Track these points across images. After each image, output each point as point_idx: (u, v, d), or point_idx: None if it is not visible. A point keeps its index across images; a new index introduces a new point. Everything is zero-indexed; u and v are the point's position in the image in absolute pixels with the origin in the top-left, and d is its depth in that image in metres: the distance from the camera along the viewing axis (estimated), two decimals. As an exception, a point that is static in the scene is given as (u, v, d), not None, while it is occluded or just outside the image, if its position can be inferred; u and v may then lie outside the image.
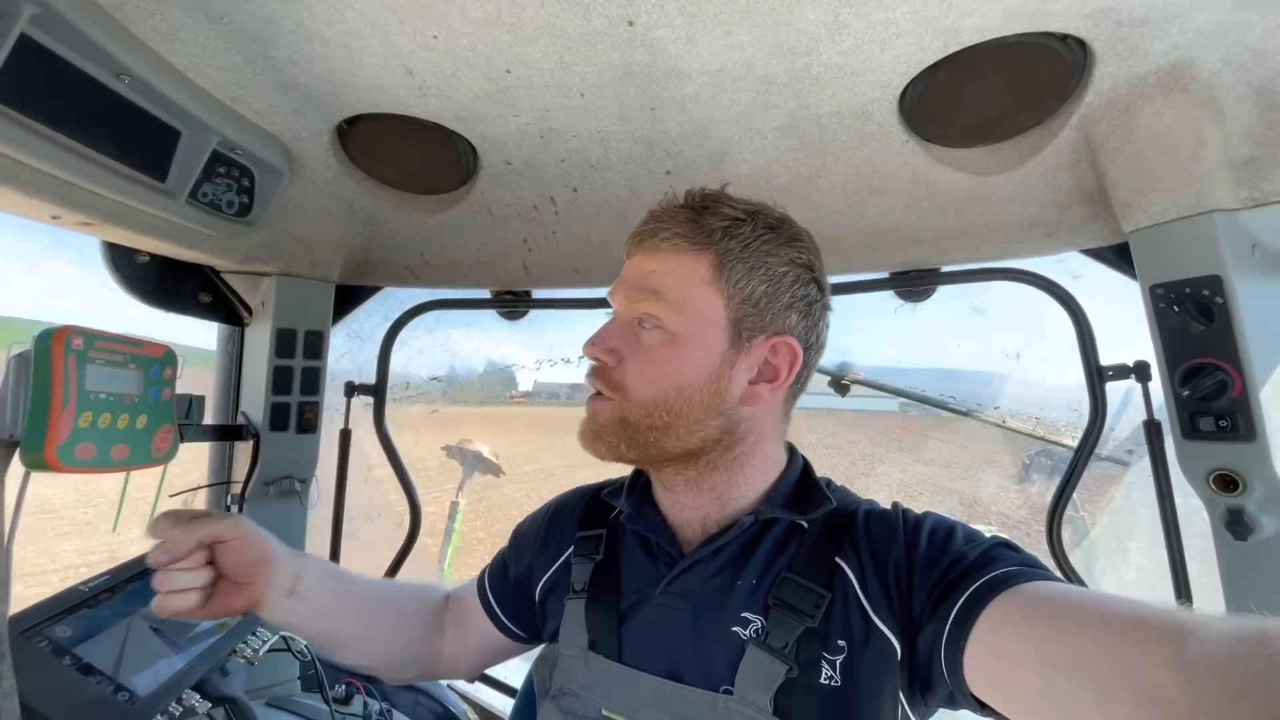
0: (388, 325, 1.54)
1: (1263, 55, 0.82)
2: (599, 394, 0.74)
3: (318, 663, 1.29)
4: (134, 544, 1.23)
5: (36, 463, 0.85)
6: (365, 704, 1.38)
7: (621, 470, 0.89)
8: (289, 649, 1.25)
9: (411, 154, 1.20)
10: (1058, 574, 0.62)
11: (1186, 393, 0.95)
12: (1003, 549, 0.65)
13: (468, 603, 0.98)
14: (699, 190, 0.78)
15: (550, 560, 0.89)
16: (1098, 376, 1.19)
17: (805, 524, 0.75)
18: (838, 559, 0.70)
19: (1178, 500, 1.12)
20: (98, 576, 1.05)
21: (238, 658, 1.14)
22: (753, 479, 0.78)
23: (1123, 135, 0.95)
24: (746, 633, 0.69)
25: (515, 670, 1.55)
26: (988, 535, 0.69)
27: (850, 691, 0.64)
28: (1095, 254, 1.16)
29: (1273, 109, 0.86)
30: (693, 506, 0.78)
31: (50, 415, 0.84)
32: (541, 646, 0.88)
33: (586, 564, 0.83)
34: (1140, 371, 1.13)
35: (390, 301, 1.55)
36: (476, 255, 1.40)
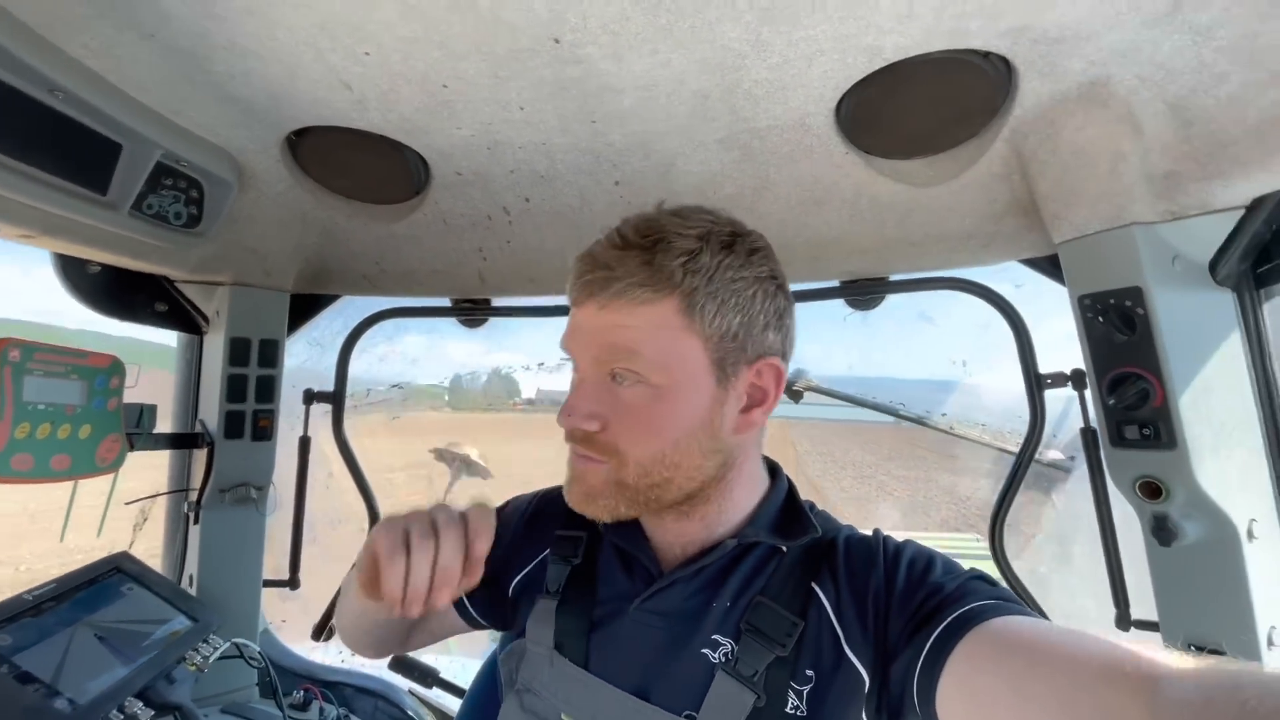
0: (344, 333, 1.55)
1: (1174, 72, 0.84)
2: (587, 458, 0.70)
3: (272, 669, 1.30)
4: (80, 553, 1.23)
5: (-30, 473, 0.86)
6: (322, 709, 1.39)
7: None
8: (241, 655, 1.26)
9: (363, 165, 1.22)
10: (1031, 610, 0.62)
11: (1113, 401, 0.97)
12: (980, 582, 0.65)
13: None
14: (637, 218, 0.71)
15: (529, 556, 0.87)
16: (1036, 384, 1.21)
17: (784, 549, 0.74)
18: (814, 585, 0.70)
19: (1125, 506, 1.14)
20: (44, 585, 1.06)
21: (186, 665, 1.15)
22: (739, 501, 0.77)
23: (1049, 149, 0.97)
24: (716, 655, 0.68)
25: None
26: (965, 569, 0.69)
27: None
28: (1033, 264, 1.18)
29: (1187, 124, 0.88)
30: (677, 532, 0.77)
31: (-16, 427, 0.85)
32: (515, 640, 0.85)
33: (563, 566, 0.81)
34: (1077, 380, 1.15)
35: (350, 309, 1.56)
36: (432, 264, 1.42)
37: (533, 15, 0.79)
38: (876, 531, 0.76)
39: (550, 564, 0.83)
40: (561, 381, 0.84)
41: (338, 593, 1.59)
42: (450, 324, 1.59)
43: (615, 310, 0.67)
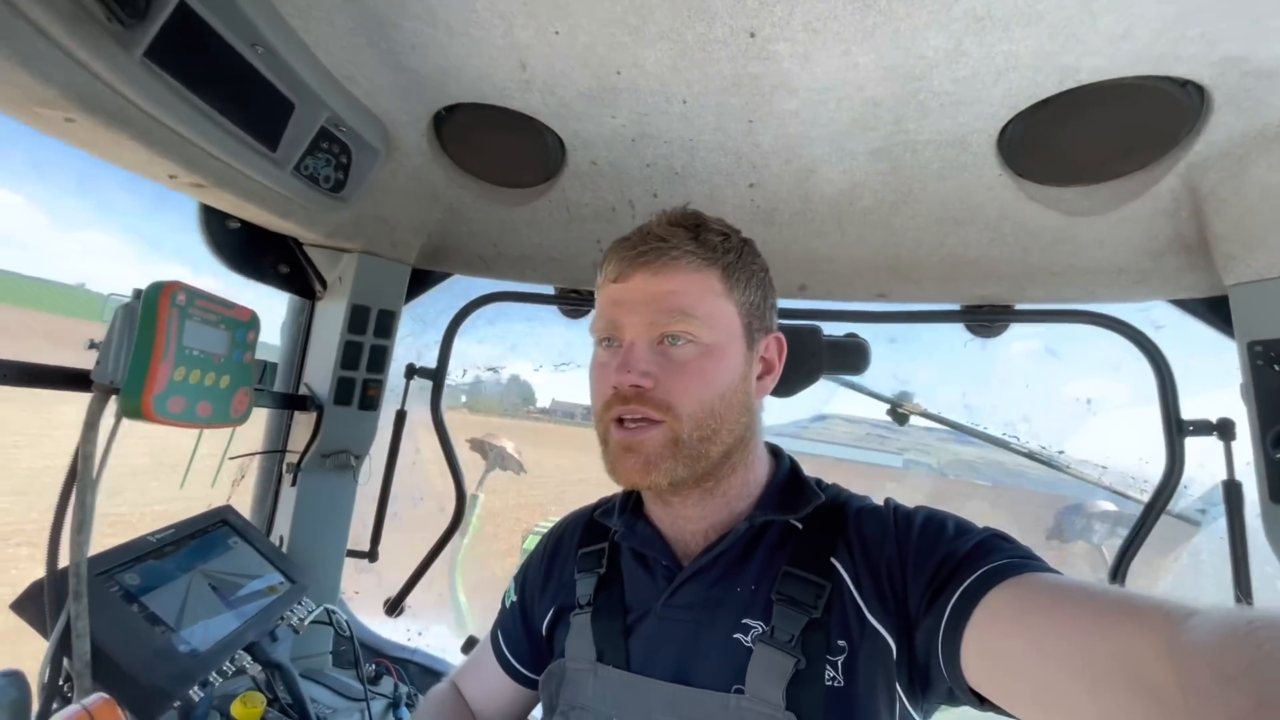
0: (449, 312, 1.56)
1: None
2: (642, 422, 0.71)
3: (355, 640, 1.30)
4: (198, 500, 1.25)
5: (133, 410, 0.87)
6: (395, 685, 1.39)
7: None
8: (330, 622, 1.27)
9: (501, 146, 1.23)
10: (1047, 565, 0.61)
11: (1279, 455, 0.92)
12: (996, 539, 0.66)
13: (483, 670, 0.96)
14: (671, 212, 0.80)
15: (556, 589, 0.88)
16: (1177, 430, 1.15)
17: (800, 525, 0.76)
18: (833, 559, 0.71)
19: (1252, 565, 1.08)
20: (165, 529, 1.07)
21: (285, 625, 1.15)
22: (757, 474, 0.80)
23: (1232, 187, 0.93)
24: (748, 639, 0.69)
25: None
26: (980, 527, 0.69)
27: (852, 691, 0.65)
28: (1183, 304, 1.14)
29: None
30: (699, 517, 0.78)
31: (151, 365, 0.87)
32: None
33: (590, 578, 0.83)
34: (1224, 429, 1.10)
35: (454, 289, 1.57)
36: (548, 251, 1.42)
37: (740, 6, 0.78)
38: (888, 500, 0.78)
39: (578, 580, 0.85)
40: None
41: (414, 571, 1.59)
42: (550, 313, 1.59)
43: (668, 276, 0.73)
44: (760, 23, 0.81)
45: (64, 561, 0.84)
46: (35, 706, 0.84)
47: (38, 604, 0.84)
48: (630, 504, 0.87)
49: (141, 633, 0.89)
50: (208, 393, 0.98)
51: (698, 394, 0.71)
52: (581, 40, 0.88)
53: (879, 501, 0.79)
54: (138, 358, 0.87)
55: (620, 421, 0.72)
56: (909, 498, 0.78)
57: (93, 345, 0.93)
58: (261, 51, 0.86)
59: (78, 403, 0.90)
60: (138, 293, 0.91)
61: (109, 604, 0.88)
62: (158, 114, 0.78)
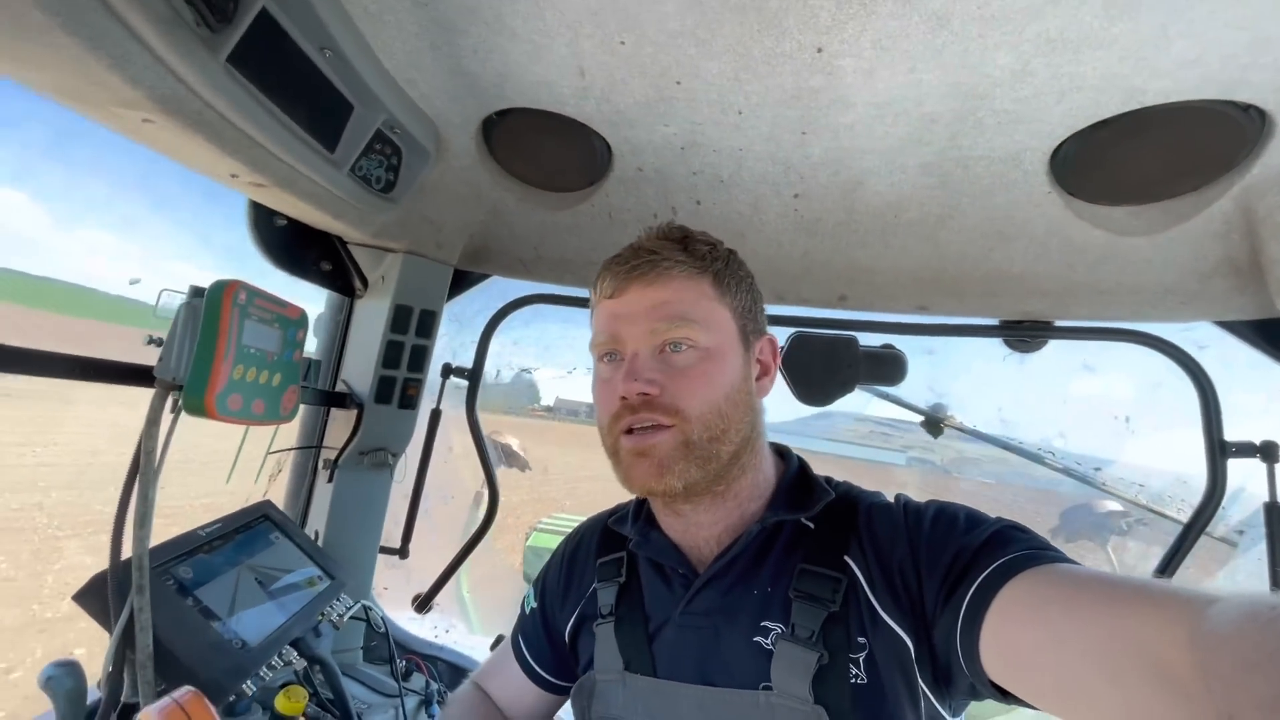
0: (485, 312, 1.57)
1: None
2: (653, 427, 0.72)
3: (390, 636, 1.31)
4: (240, 495, 1.26)
5: (196, 408, 0.88)
6: (427, 683, 1.40)
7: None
8: (366, 619, 1.28)
9: (546, 150, 1.23)
10: (1064, 555, 0.61)
11: (1328, 480, 0.92)
12: (1011, 530, 0.65)
13: (506, 674, 0.98)
14: (657, 228, 0.82)
15: (577, 597, 0.90)
16: (1220, 451, 1.16)
17: (812, 525, 0.76)
18: (846, 558, 0.72)
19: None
20: (213, 523, 1.08)
21: (325, 620, 1.16)
22: (766, 474, 0.81)
23: (1289, 211, 0.93)
24: (769, 641, 0.70)
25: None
26: (992, 518, 0.69)
27: (876, 688, 0.65)
28: (1230, 327, 1.14)
29: None
30: (710, 523, 0.78)
31: (214, 363, 0.88)
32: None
33: (611, 587, 0.84)
34: (1267, 451, 1.10)
35: (491, 290, 1.57)
36: (588, 255, 1.42)
37: (813, 22, 0.78)
38: (899, 496, 0.78)
39: (599, 590, 0.85)
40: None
41: (446, 568, 1.60)
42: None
43: (663, 287, 0.75)
44: (830, 39, 0.81)
45: (126, 554, 0.85)
46: (93, 696, 0.85)
47: (100, 596, 0.85)
48: (643, 513, 0.87)
49: (198, 626, 0.90)
50: (262, 390, 0.99)
51: (704, 396, 0.72)
52: (646, 51, 0.88)
53: (890, 498, 0.79)
54: (201, 355, 0.88)
55: (630, 431, 0.73)
56: (914, 494, 0.78)
57: (151, 341, 0.94)
58: (329, 55, 0.87)
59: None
60: (197, 291, 0.92)
61: (166, 597, 0.89)
62: (232, 117, 0.79)
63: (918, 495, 0.78)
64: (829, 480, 0.84)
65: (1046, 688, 0.53)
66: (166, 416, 0.91)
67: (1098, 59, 0.79)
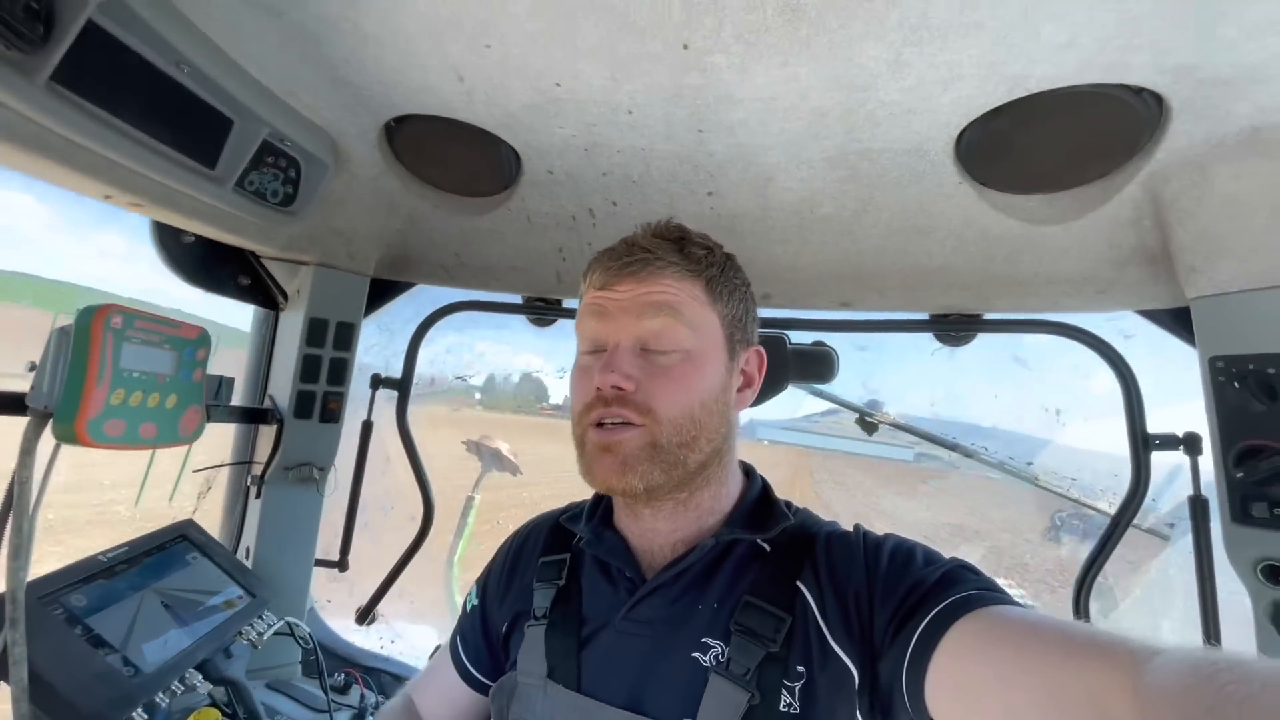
0: (414, 321, 1.55)
1: None
2: (621, 424, 0.71)
3: (319, 651, 1.30)
4: (153, 518, 1.25)
5: (67, 435, 0.87)
6: (362, 695, 1.39)
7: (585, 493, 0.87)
8: (292, 634, 1.27)
9: (456, 156, 1.21)
10: (1015, 598, 0.61)
11: (1240, 474, 0.90)
12: (963, 570, 0.65)
13: (440, 679, 0.95)
14: (656, 225, 0.81)
15: (515, 592, 0.87)
16: (1143, 444, 1.13)
17: (767, 547, 0.75)
18: (799, 583, 0.70)
19: (1219, 582, 1.05)
20: (117, 547, 1.07)
21: (242, 640, 1.15)
22: (730, 490, 0.80)
23: (1194, 196, 0.90)
24: (707, 659, 0.68)
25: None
26: (946, 557, 0.69)
27: (809, 718, 0.64)
28: (1151, 315, 1.10)
29: None
30: (668, 530, 0.77)
31: (84, 390, 0.86)
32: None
33: (549, 589, 0.82)
34: (1190, 444, 1.07)
35: (422, 298, 1.56)
36: (511, 260, 1.40)
37: (667, 19, 0.76)
38: (857, 527, 0.78)
39: (536, 589, 0.83)
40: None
41: (384, 580, 1.59)
42: (519, 321, 1.57)
43: (653, 284, 0.74)
44: (692, 35, 0.78)
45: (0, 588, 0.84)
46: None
47: (-25, 630, 0.84)
48: (600, 511, 0.86)
49: (82, 656, 0.89)
50: (151, 414, 0.98)
51: (678, 399, 0.71)
52: (514, 53, 0.86)
53: (848, 528, 0.78)
54: (71, 382, 0.86)
55: (600, 425, 0.72)
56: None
57: (32, 367, 0.92)
58: (188, 70, 0.85)
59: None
60: (82, 315, 0.91)
61: (50, 627, 0.88)
62: (74, 137, 0.77)
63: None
64: (789, 505, 0.82)
65: None
66: (46, 446, 0.90)
67: (969, 46, 0.76)
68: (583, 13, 0.76)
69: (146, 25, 0.76)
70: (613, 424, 0.71)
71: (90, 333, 0.87)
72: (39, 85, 0.68)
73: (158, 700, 0.94)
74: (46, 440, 0.90)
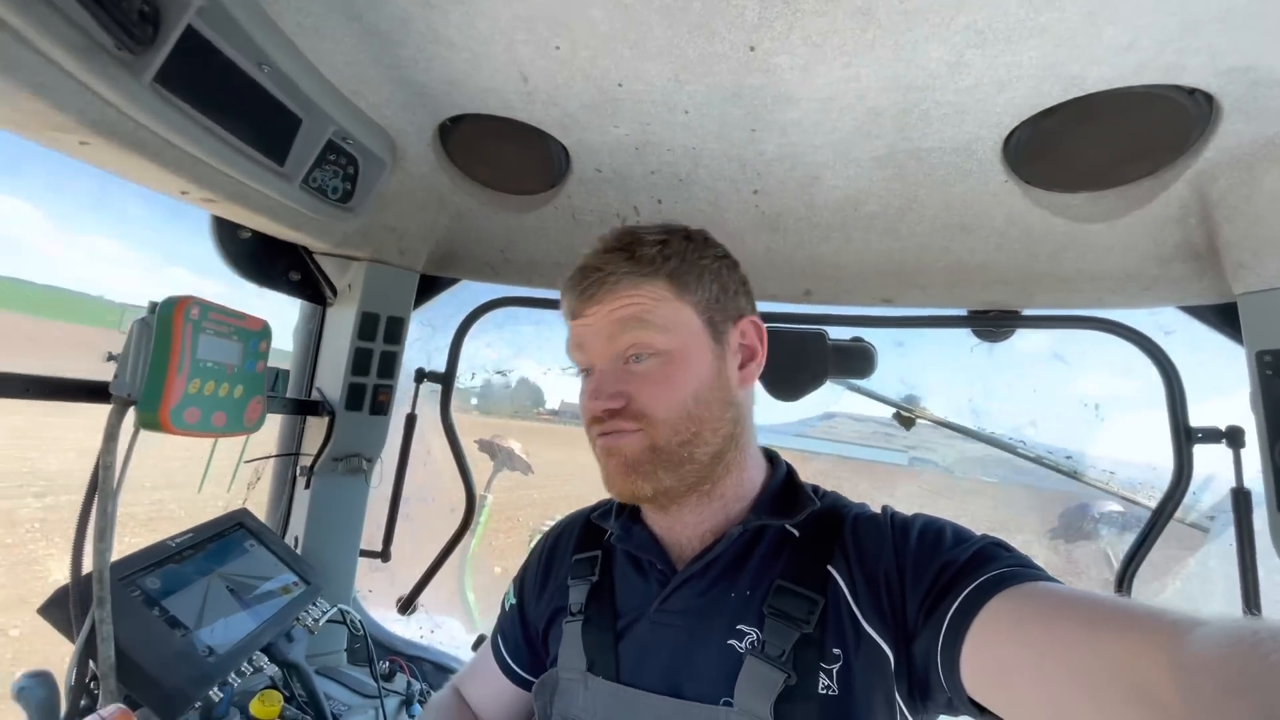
0: (459, 316, 1.58)
1: None
2: (620, 432, 0.73)
3: (369, 638, 1.33)
4: (213, 505, 1.28)
5: (150, 422, 0.90)
6: (409, 683, 1.42)
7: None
8: (344, 621, 1.30)
9: (506, 154, 1.24)
10: (1047, 574, 0.60)
11: (1287, 466, 0.91)
12: (995, 548, 0.65)
13: (485, 674, 0.97)
14: (608, 235, 0.80)
15: (552, 592, 0.89)
16: (1186, 438, 1.14)
17: (796, 532, 0.75)
18: (829, 567, 0.71)
19: (1261, 574, 1.07)
20: (184, 533, 1.10)
21: (300, 625, 1.18)
22: (753, 477, 0.81)
23: (1242, 194, 0.92)
24: (743, 645, 0.69)
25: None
26: (978, 535, 0.68)
27: (848, 700, 0.64)
28: (1194, 312, 1.12)
29: None
30: (695, 522, 0.78)
31: (166, 379, 0.90)
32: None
33: (583, 585, 0.83)
34: (1233, 437, 1.09)
35: (463, 294, 1.58)
36: (555, 256, 1.43)
37: (740, 22, 0.78)
38: (885, 508, 0.77)
39: (570, 586, 0.85)
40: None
41: (426, 571, 1.62)
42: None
43: (614, 300, 0.74)
44: (760, 37, 0.81)
45: (87, 567, 0.87)
46: (63, 706, 0.87)
47: (63, 609, 0.88)
48: (629, 506, 0.87)
49: (163, 636, 0.92)
50: (222, 403, 1.01)
51: (668, 400, 0.72)
52: (582, 55, 0.88)
53: (876, 509, 0.78)
54: (154, 371, 0.90)
55: (605, 434, 0.74)
56: (916, 494, 0.78)
57: (111, 358, 0.96)
58: (268, 70, 0.88)
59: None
60: (154, 306, 0.94)
61: (131, 608, 0.91)
62: (169, 135, 0.80)
63: (922, 495, 0.78)
64: (816, 489, 0.82)
65: (1026, 705, 0.52)
66: (127, 432, 0.93)
67: (1031, 48, 0.78)
68: (656, 15, 0.79)
69: (238, 28, 0.79)
70: (616, 433, 0.74)
71: (172, 323, 0.90)
72: (145, 85, 0.71)
73: (231, 679, 0.98)
74: (126, 427, 0.93)
